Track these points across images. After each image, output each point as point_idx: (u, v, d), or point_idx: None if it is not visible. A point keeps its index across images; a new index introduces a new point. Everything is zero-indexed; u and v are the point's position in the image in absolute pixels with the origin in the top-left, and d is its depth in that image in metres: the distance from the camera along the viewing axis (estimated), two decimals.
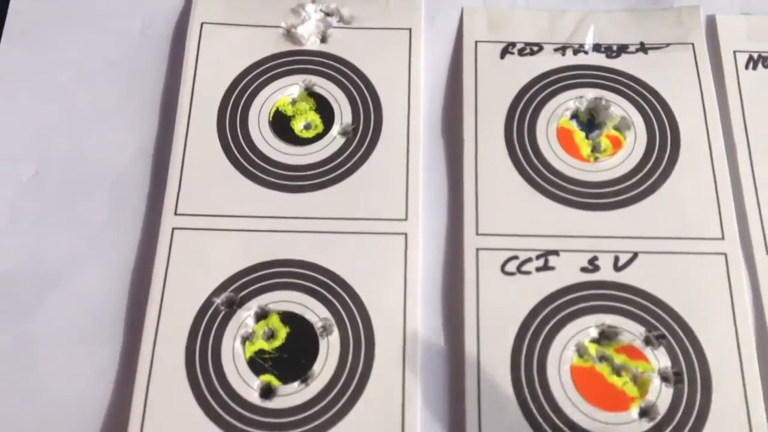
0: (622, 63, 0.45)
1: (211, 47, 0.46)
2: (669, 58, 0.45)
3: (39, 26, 0.46)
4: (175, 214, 0.41)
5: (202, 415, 0.36)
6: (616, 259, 0.39)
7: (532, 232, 0.39)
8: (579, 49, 0.45)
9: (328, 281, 0.39)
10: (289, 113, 0.44)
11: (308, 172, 0.42)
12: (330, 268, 0.39)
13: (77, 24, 0.47)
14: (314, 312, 0.38)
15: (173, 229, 0.40)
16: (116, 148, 0.43)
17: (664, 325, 0.38)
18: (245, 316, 0.38)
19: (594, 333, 0.38)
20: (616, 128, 0.42)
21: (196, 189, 0.41)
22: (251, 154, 0.42)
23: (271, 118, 0.44)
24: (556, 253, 0.39)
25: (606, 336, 0.38)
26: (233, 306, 0.39)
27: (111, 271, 0.40)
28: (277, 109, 0.44)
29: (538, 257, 0.39)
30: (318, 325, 0.38)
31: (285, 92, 0.45)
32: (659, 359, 0.37)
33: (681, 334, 0.38)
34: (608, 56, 0.45)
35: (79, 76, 0.45)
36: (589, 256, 0.39)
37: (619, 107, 0.43)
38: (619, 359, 0.37)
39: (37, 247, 0.41)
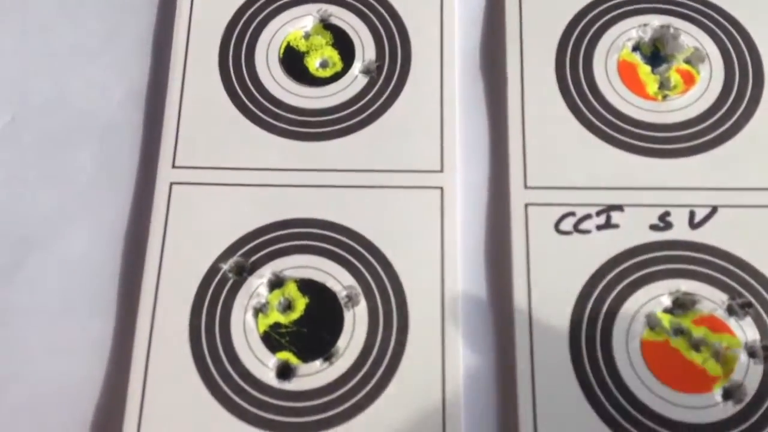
0: None
1: None
2: None
3: None
4: (173, 166, 0.37)
5: (210, 399, 0.33)
6: (692, 214, 0.34)
7: (590, 184, 0.35)
8: None
9: (353, 243, 0.34)
10: (303, 49, 0.40)
11: (326, 117, 0.37)
12: (354, 228, 0.35)
13: None
14: (337, 279, 0.33)
15: (171, 184, 0.36)
16: (103, 91, 0.39)
17: (751, 291, 0.34)
18: (257, 284, 0.34)
19: (667, 302, 0.34)
20: (687, 61, 0.37)
21: (196, 138, 0.37)
22: (259, 97, 0.38)
23: (281, 55, 0.39)
24: (619, 208, 0.34)
25: (681, 305, 0.34)
26: (243, 273, 0.35)
27: (100, 232, 0.36)
28: (288, 44, 0.40)
29: (598, 213, 0.34)
30: (342, 294, 0.33)
31: (297, 24, 0.40)
32: (746, 332, 0.33)
33: None
34: None
35: (59, 9, 0.41)
36: (660, 211, 0.34)
37: (690, 36, 0.39)
38: (697, 332, 0.33)
39: (14, 204, 0.37)
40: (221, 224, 0.35)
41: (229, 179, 0.36)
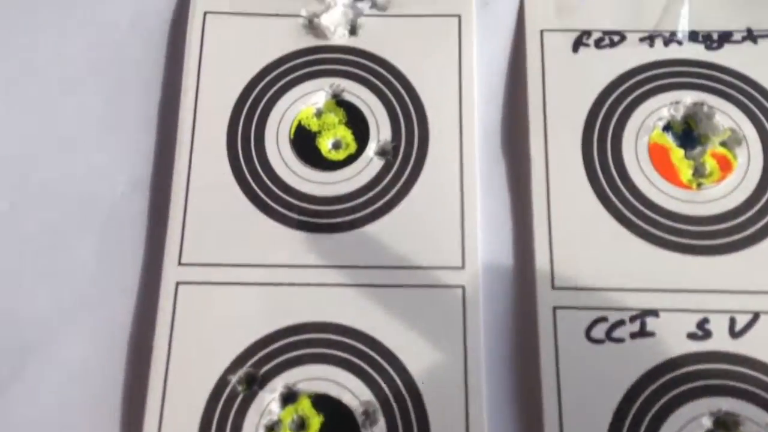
0: (726, 56, 0.38)
1: (217, 44, 0.40)
2: None
3: (9, 22, 0.40)
4: (179, 263, 0.35)
5: None
6: (732, 321, 0.33)
7: (623, 285, 0.33)
8: (671, 39, 0.39)
9: (369, 351, 0.33)
10: (315, 128, 0.38)
11: (339, 206, 0.36)
12: (371, 334, 0.34)
13: (54, 18, 0.41)
14: (353, 393, 0.32)
15: (177, 283, 0.35)
16: (107, 177, 0.37)
17: None
18: (269, 399, 0.33)
19: (708, 423, 0.32)
20: (723, 144, 0.34)
21: (203, 230, 0.36)
22: (270, 184, 0.36)
23: (292, 136, 0.38)
24: (655, 313, 0.32)
25: (724, 426, 0.32)
26: (253, 386, 0.33)
27: (102, 336, 0.35)
28: (300, 123, 0.38)
29: (632, 319, 0.32)
30: (359, 411, 0.31)
31: (308, 101, 0.39)
32: None
33: None
34: (708, 47, 0.38)
35: (63, 90, 0.39)
36: (698, 317, 0.33)
37: (725, 116, 0.37)
38: None
39: (10, 305, 0.35)
40: (231, 329, 0.34)
41: (238, 277, 0.34)
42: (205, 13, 0.40)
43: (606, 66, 0.38)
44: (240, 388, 0.33)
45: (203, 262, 0.35)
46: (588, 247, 0.34)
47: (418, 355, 0.33)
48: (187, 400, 0.32)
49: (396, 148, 0.37)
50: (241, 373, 0.33)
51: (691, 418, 0.31)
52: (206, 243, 0.35)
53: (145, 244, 0.36)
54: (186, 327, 0.33)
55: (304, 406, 0.32)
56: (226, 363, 0.33)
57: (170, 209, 0.35)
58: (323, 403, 0.33)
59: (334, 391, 0.32)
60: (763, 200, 0.34)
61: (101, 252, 0.36)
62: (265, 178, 0.36)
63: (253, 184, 0.36)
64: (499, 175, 0.37)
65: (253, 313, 0.34)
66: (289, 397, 0.33)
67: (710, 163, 0.35)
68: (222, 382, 0.33)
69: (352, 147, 0.37)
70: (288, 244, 0.35)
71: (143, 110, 0.38)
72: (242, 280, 0.34)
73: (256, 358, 0.33)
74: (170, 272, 0.34)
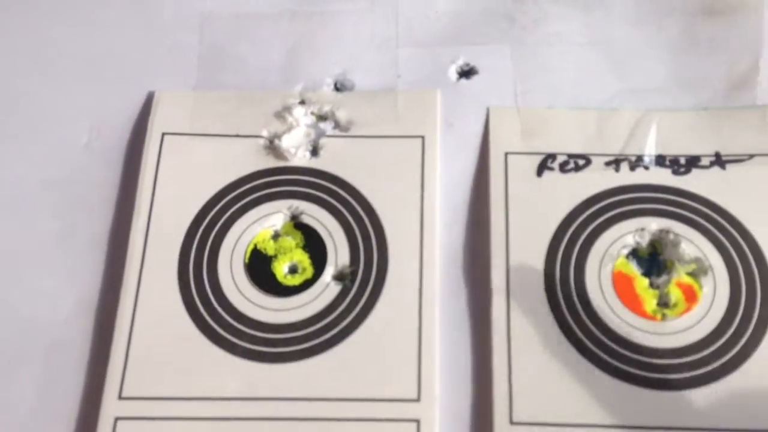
0: (693, 182, 0.39)
1: (174, 165, 0.41)
2: (754, 174, 0.39)
3: None
4: (120, 397, 0.35)
5: None
6: None
7: (584, 421, 0.34)
8: (637, 163, 0.40)
9: None
10: (270, 252, 0.39)
11: (292, 334, 0.37)
12: None
13: (8, 134, 0.43)
14: None
15: (116, 419, 0.35)
16: (51, 301, 0.37)
17: None
18: None
19: None
20: (689, 273, 0.35)
21: (148, 360, 0.36)
22: (221, 311, 0.37)
23: (247, 260, 0.38)
24: None
25: None
26: None
27: None
28: (255, 246, 0.38)
29: None
30: None
31: (265, 223, 0.39)
32: None
33: None
34: (675, 172, 0.40)
35: (10, 205, 0.41)
36: None
37: (691, 244, 0.38)
38: None
39: None
40: None
41: (183, 412, 0.35)
42: (163, 134, 0.41)
43: (570, 191, 0.38)
44: None
45: (146, 396, 0.35)
46: (549, 381, 0.34)
47: None
48: None
49: (354, 273, 0.37)
50: None
51: None
52: (150, 375, 0.35)
53: (86, 374, 0.36)
54: None
55: None
56: None
57: (114, 337, 0.36)
58: None
59: None
60: (729, 333, 0.35)
61: (42, 381, 0.36)
62: (217, 306, 0.37)
63: (203, 312, 0.37)
64: (460, 302, 0.37)
65: None
66: None
67: (675, 294, 0.36)
68: None
69: (309, 272, 0.38)
70: (237, 375, 0.35)
71: (95, 231, 0.39)
72: (187, 414, 0.35)
73: None
74: (109, 406, 0.34)
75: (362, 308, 0.37)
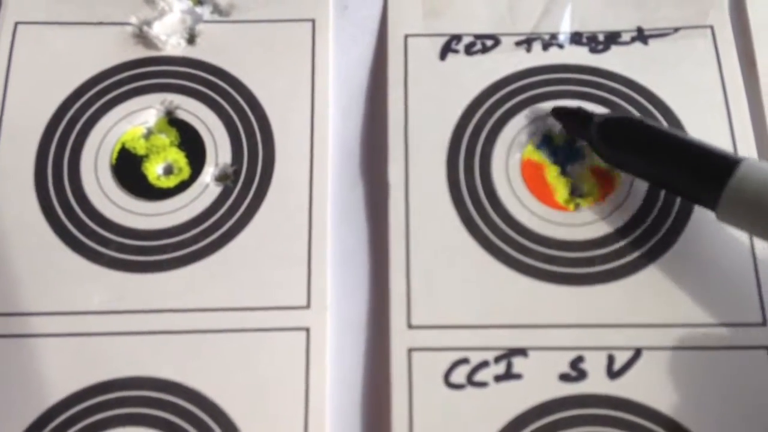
0: (613, 59, 0.39)
1: (29, 57, 0.39)
2: (679, 49, 0.39)
3: None
4: None
5: None
6: (611, 359, 0.33)
7: (487, 322, 0.33)
8: (551, 42, 0.39)
9: (194, 409, 0.32)
10: (141, 152, 0.38)
11: (166, 241, 0.36)
12: (196, 388, 0.34)
13: None
14: None
15: None
16: None
17: None
18: None
19: None
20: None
21: (1, 274, 0.35)
22: (84, 217, 0.36)
23: (114, 161, 0.37)
24: (523, 353, 0.32)
25: None
26: None
27: None
28: (123, 146, 0.38)
29: (497, 360, 0.32)
30: None
31: (135, 120, 0.38)
32: None
33: None
34: (593, 50, 0.39)
35: None
36: (572, 355, 0.33)
37: None
38: None
39: None
40: (25, 390, 0.33)
41: (39, 328, 0.34)
42: (15, 24, 0.39)
43: (476, 74, 0.38)
44: None
45: None
46: (451, 281, 0.33)
47: (252, 410, 0.32)
48: None
49: (237, 172, 0.36)
50: None
51: None
52: (4, 288, 0.34)
53: None
54: None
55: None
56: (20, 429, 0.31)
57: None
58: None
59: None
60: (647, 223, 0.34)
61: None
62: (79, 212, 0.36)
63: (64, 218, 0.36)
64: (354, 202, 0.36)
65: (53, 371, 0.33)
66: None
67: (589, 181, 0.35)
68: None
69: (186, 172, 0.37)
70: (102, 287, 0.34)
71: None
72: (45, 331, 0.33)
73: (56, 422, 0.32)
74: None
75: (246, 210, 0.36)
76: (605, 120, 0.34)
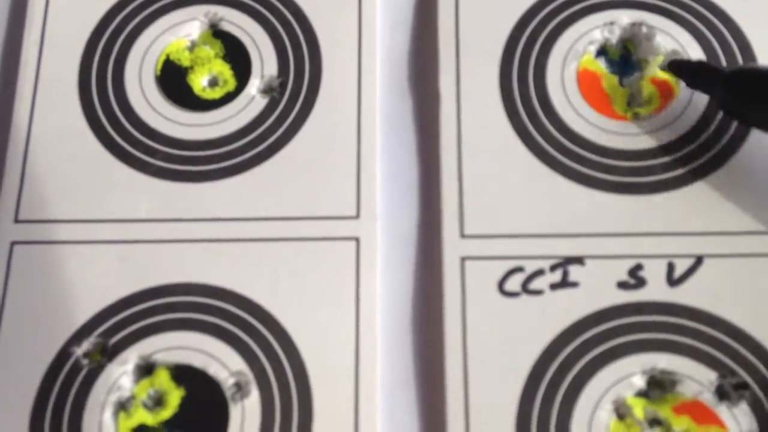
0: None
1: None
2: None
3: None
4: (15, 221, 0.35)
5: None
6: (671, 267, 0.33)
7: (543, 231, 0.34)
8: None
9: (244, 315, 0.33)
10: (186, 63, 0.38)
11: (213, 151, 0.37)
12: (246, 295, 0.34)
13: None
14: (222, 363, 0.32)
15: (12, 243, 0.35)
16: None
17: (747, 368, 0.32)
18: (119, 373, 0.33)
19: (640, 383, 0.32)
20: (665, 69, 0.36)
21: (46, 182, 0.36)
22: (129, 127, 0.37)
23: (158, 72, 0.38)
24: (579, 261, 0.33)
25: (659, 386, 0.32)
26: (102, 357, 0.33)
27: None
28: (168, 57, 0.38)
29: (553, 269, 0.33)
30: (228, 383, 0.32)
31: (179, 32, 0.39)
32: (740, 422, 0.31)
33: None
34: None
35: None
36: (630, 264, 0.33)
37: (668, 36, 0.37)
38: (679, 424, 0.31)
39: None
40: (75, 294, 0.34)
41: (87, 235, 0.34)
42: None
43: None
44: (85, 361, 0.32)
45: (45, 219, 0.35)
46: (504, 190, 0.34)
47: (302, 318, 0.32)
48: (21, 375, 0.32)
49: (283, 84, 0.37)
50: (86, 343, 0.32)
51: (621, 377, 0.31)
52: (50, 196, 0.35)
53: None
54: (21, 292, 0.33)
55: (162, 378, 0.32)
56: (68, 332, 0.33)
57: (7, 157, 0.35)
58: (185, 374, 0.33)
59: (198, 362, 0.32)
60: (709, 131, 0.34)
61: None
62: (124, 121, 0.36)
63: (110, 129, 0.36)
64: (404, 113, 0.37)
65: (103, 276, 0.34)
66: (144, 371, 0.33)
67: (648, 90, 0.35)
68: (63, 355, 0.32)
69: (231, 84, 0.37)
70: (149, 195, 0.35)
71: None
72: (92, 238, 0.34)
73: (105, 326, 0.33)
74: (4, 230, 0.34)
75: (293, 122, 0.36)
76: (737, 71, 0.34)
